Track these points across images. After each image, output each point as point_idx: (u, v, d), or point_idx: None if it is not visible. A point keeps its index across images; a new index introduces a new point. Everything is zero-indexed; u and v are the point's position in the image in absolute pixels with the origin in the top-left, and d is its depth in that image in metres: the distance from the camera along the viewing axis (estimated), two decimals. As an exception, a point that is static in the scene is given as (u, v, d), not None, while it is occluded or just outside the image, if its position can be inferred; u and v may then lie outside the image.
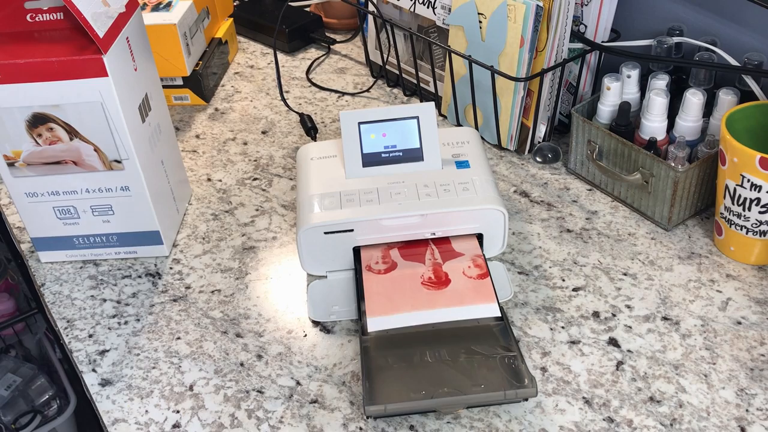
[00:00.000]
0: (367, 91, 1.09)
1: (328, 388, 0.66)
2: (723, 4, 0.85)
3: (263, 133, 1.01)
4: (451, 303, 0.69)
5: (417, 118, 0.77)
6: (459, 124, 1.00)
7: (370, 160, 0.77)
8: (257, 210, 0.88)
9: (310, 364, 0.69)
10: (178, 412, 0.65)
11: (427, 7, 0.97)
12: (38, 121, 0.70)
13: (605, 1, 0.87)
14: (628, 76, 0.85)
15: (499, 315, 0.67)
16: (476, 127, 0.96)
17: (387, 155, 0.77)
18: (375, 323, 0.67)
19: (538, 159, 0.92)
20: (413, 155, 0.77)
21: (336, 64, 1.17)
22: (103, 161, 0.73)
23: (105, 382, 0.68)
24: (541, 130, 0.93)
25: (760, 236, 0.74)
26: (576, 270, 0.77)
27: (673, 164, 0.77)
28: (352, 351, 0.70)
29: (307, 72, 1.15)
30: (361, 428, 0.63)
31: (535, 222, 0.83)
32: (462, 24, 0.92)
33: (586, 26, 0.90)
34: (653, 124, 0.80)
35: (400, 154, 0.77)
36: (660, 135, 0.81)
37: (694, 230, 0.81)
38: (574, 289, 0.75)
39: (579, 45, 0.90)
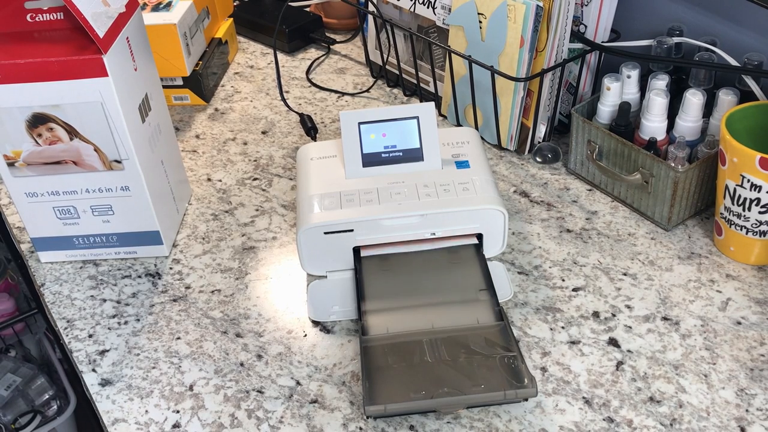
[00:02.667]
0: (367, 91, 1.09)
1: (328, 388, 0.66)
2: (723, 4, 0.85)
3: (263, 133, 1.01)
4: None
5: (417, 118, 0.77)
6: (459, 124, 1.00)
7: (370, 160, 0.77)
8: (257, 210, 0.88)
9: (310, 364, 0.69)
10: (178, 412, 0.65)
11: (427, 7, 0.97)
12: (38, 121, 0.70)
13: (605, 1, 0.87)
14: (628, 77, 0.85)
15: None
16: (476, 127, 0.96)
17: (387, 155, 0.77)
18: None
19: (538, 159, 0.92)
20: (413, 155, 0.77)
21: (336, 64, 1.17)
22: (103, 161, 0.74)
23: (105, 382, 0.68)
24: (541, 130, 0.93)
25: (760, 236, 0.74)
26: (576, 270, 0.77)
27: (673, 164, 0.77)
28: (352, 351, 0.70)
29: (307, 72, 1.15)
30: (361, 428, 0.63)
31: (535, 222, 0.83)
32: (462, 24, 0.92)
33: (586, 26, 0.90)
34: (653, 125, 0.80)
35: (400, 154, 0.77)
36: (660, 135, 0.81)
37: (694, 230, 0.81)
38: (574, 289, 0.75)
39: (579, 45, 0.90)
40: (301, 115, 1.01)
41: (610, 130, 0.83)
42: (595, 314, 0.72)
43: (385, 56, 1.08)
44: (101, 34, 0.66)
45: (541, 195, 0.87)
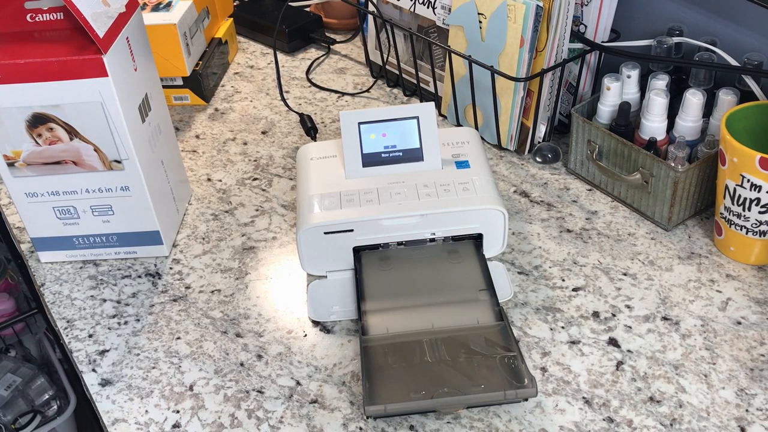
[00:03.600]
0: (367, 91, 1.09)
1: (328, 388, 0.66)
2: (723, 4, 0.85)
3: (263, 133, 1.01)
4: None
5: (417, 118, 0.77)
6: (459, 124, 1.00)
7: (370, 160, 0.77)
8: (257, 210, 0.88)
9: (310, 364, 0.69)
10: (178, 412, 0.65)
11: (427, 7, 0.97)
12: (38, 121, 0.70)
13: (605, 1, 0.87)
14: (628, 76, 0.85)
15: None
16: (476, 127, 0.96)
17: (387, 155, 0.77)
18: None
19: (538, 159, 0.92)
20: (413, 155, 0.77)
21: (336, 64, 1.17)
22: (103, 161, 0.74)
23: (105, 382, 0.68)
24: (541, 130, 0.93)
25: (760, 236, 0.74)
26: (576, 270, 0.77)
27: (673, 164, 0.77)
28: (352, 351, 0.70)
29: (307, 72, 1.15)
30: (361, 428, 0.63)
31: (535, 222, 0.83)
32: (462, 24, 0.92)
33: (586, 26, 0.90)
34: (653, 124, 0.80)
35: (400, 154, 0.77)
36: (660, 135, 0.81)
37: (694, 230, 0.81)
38: (574, 289, 0.75)
39: (579, 45, 0.90)
40: (301, 115, 1.01)
41: (610, 130, 0.83)
42: (595, 314, 0.72)
43: (385, 56, 1.08)
44: (101, 34, 0.66)
45: (541, 195, 0.87)
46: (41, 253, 0.81)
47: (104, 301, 0.77)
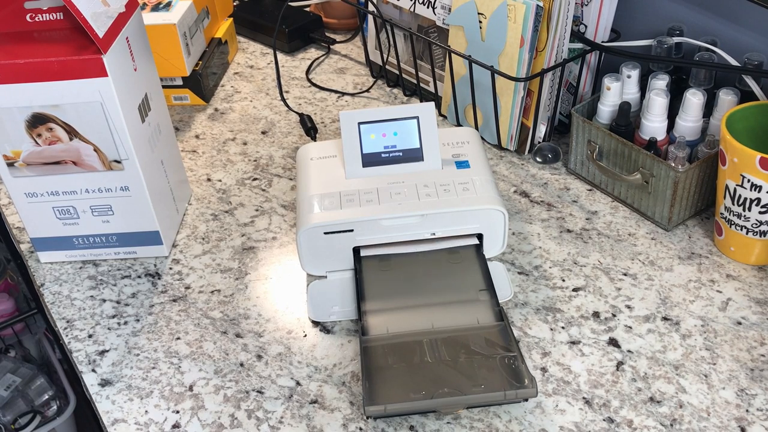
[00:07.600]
0: (367, 91, 1.09)
1: (328, 388, 0.66)
2: (723, 4, 0.85)
3: (263, 133, 1.01)
4: None
5: (417, 118, 0.77)
6: (459, 124, 1.00)
7: (370, 160, 0.77)
8: (257, 210, 0.88)
9: (310, 364, 0.69)
10: (177, 412, 0.65)
11: (427, 7, 0.97)
12: (38, 121, 0.70)
13: (605, 1, 0.87)
14: (628, 76, 0.85)
15: None
16: (476, 127, 0.96)
17: (387, 155, 0.77)
18: None
19: (538, 159, 0.92)
20: (413, 155, 0.77)
21: (336, 64, 1.17)
22: (102, 161, 0.73)
23: (105, 383, 0.68)
24: (541, 130, 0.93)
25: (760, 236, 0.74)
26: (576, 270, 0.77)
27: (673, 164, 0.77)
28: (352, 351, 0.70)
29: (307, 72, 1.15)
30: (361, 428, 0.63)
31: (535, 222, 0.83)
32: (462, 24, 0.92)
33: (586, 26, 0.90)
34: (653, 124, 0.80)
35: (400, 154, 0.77)
36: (660, 135, 0.81)
37: (694, 230, 0.81)
38: (574, 290, 0.75)
39: (579, 45, 0.90)
40: (301, 115, 1.01)
41: (610, 130, 0.83)
42: (595, 314, 0.72)
43: (385, 56, 1.08)
44: (101, 34, 0.66)
45: (541, 195, 0.87)
46: (41, 253, 0.81)
47: (104, 301, 0.77)
